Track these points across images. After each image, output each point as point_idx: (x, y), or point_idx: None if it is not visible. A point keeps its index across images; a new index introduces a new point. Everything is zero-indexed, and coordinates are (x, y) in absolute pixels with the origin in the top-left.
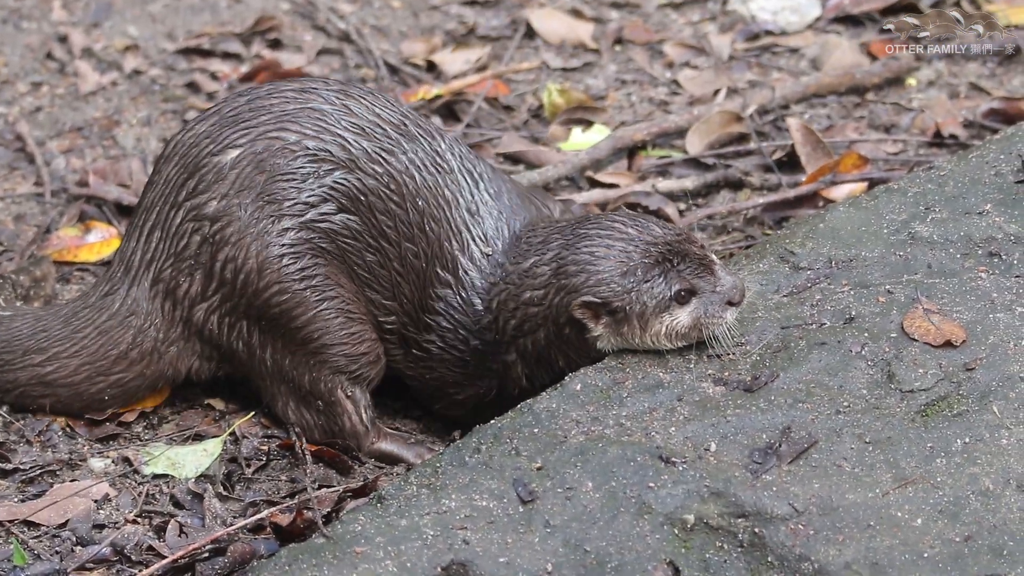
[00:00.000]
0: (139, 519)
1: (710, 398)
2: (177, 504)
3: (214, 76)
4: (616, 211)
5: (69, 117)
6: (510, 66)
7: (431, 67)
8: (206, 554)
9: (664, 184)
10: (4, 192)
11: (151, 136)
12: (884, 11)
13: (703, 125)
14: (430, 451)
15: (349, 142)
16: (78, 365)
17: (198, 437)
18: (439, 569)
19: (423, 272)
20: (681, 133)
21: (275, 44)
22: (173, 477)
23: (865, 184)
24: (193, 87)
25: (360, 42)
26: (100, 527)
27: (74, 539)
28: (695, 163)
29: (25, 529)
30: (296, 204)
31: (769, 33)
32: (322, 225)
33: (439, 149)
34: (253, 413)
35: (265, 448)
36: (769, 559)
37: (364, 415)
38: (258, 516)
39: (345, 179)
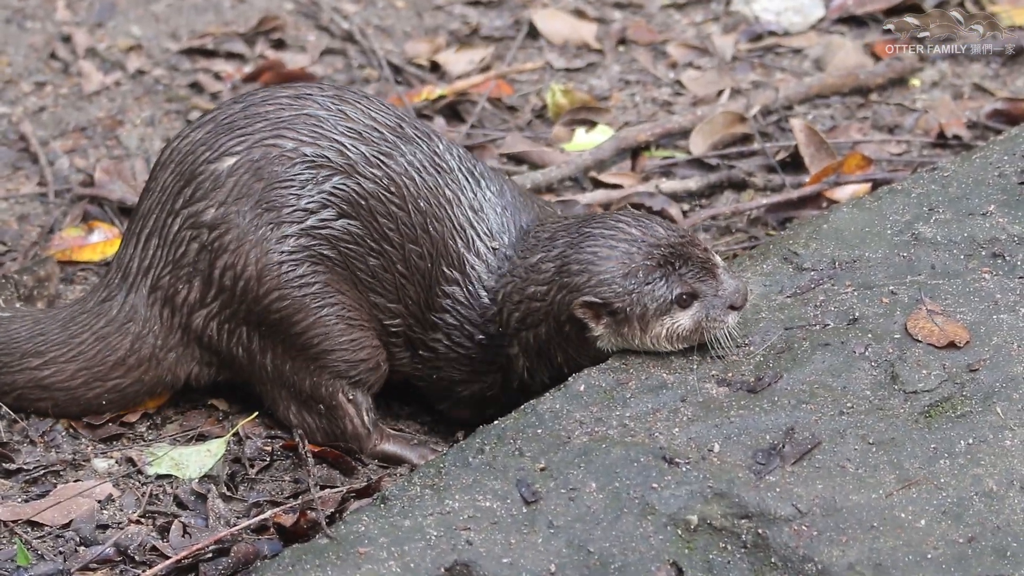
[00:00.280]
0: (143, 519)
1: (714, 399)
2: (181, 504)
3: (218, 76)
4: (622, 210)
5: (73, 117)
6: (514, 66)
7: (435, 67)
8: (210, 554)
9: (668, 185)
10: (8, 192)
11: (155, 136)
12: (888, 12)
13: (707, 126)
14: (433, 452)
15: (347, 147)
16: (75, 370)
17: (202, 437)
18: (442, 570)
19: (428, 272)
20: (685, 134)
21: (279, 44)
22: (177, 477)
23: (869, 185)
24: (197, 87)
25: (364, 42)
26: (104, 527)
27: (77, 539)
28: (699, 164)
29: (29, 529)
30: (295, 211)
31: (772, 34)
32: (323, 231)
33: (437, 150)
34: (256, 414)
35: (269, 448)
36: (772, 560)
37: (366, 418)
38: (262, 516)
39: (344, 184)
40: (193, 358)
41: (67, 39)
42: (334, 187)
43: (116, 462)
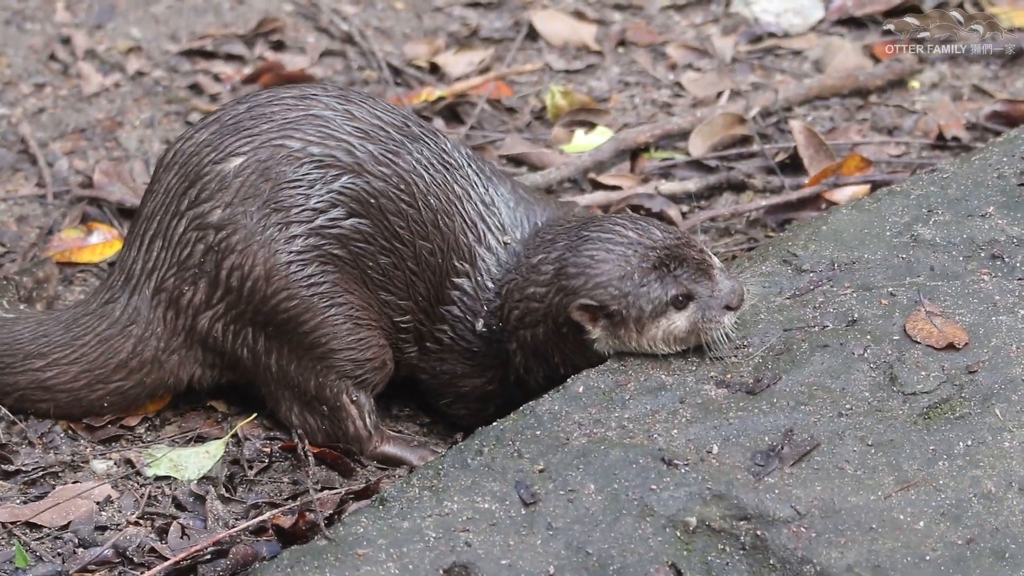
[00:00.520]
0: (141, 521)
1: (712, 400)
2: (179, 506)
3: (217, 78)
4: (620, 213)
5: (72, 119)
6: (513, 68)
7: (434, 69)
8: (208, 556)
9: (667, 186)
10: (6, 193)
11: (154, 138)
12: (887, 13)
13: (706, 127)
14: (432, 453)
15: (354, 146)
16: (78, 372)
17: (200, 439)
18: (441, 571)
19: (439, 268)
20: (684, 135)
21: (278, 46)
22: (175, 479)
23: (868, 186)
24: (196, 89)
25: (363, 44)
26: (102, 529)
27: (76, 541)
28: (698, 165)
29: (27, 531)
30: (304, 211)
31: (772, 35)
32: (332, 231)
33: (445, 148)
34: (255, 415)
35: (267, 450)
36: (771, 562)
37: (368, 420)
38: (260, 518)
39: (353, 183)
40: (196, 360)
41: (66, 41)
42: (343, 186)
43: (115, 463)
